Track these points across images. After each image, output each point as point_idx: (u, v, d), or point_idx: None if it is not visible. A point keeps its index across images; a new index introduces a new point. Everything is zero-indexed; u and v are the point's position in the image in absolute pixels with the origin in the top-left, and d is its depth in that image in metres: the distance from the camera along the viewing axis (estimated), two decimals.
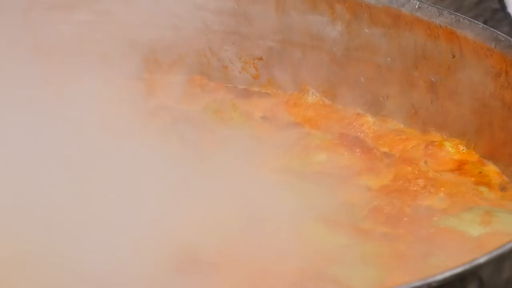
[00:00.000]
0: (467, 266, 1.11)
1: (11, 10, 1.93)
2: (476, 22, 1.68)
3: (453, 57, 1.58)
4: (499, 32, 1.57)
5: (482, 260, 1.12)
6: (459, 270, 1.11)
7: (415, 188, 1.50)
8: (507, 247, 1.16)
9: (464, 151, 1.58)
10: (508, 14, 2.03)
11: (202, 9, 2.17)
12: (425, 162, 1.56)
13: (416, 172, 1.55)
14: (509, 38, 1.54)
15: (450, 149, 1.58)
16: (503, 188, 1.52)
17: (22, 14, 1.91)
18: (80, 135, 1.66)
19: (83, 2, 1.99)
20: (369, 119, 1.66)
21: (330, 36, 1.89)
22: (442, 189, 1.50)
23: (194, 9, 2.15)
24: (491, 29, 1.62)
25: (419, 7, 1.77)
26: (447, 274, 1.10)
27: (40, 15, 1.93)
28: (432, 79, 1.62)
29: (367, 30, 1.81)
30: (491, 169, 1.52)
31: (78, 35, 1.94)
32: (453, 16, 1.69)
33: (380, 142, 1.64)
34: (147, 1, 1.97)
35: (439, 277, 1.09)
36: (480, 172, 1.56)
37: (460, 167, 1.58)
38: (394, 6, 1.79)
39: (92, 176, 1.54)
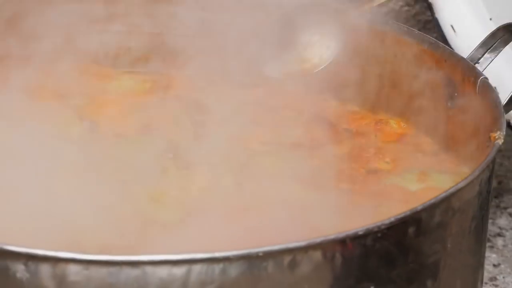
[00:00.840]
0: (408, 213, 1.24)
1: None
2: (413, 29, 1.82)
3: (395, 56, 1.73)
4: (430, 37, 1.73)
5: (419, 208, 1.25)
6: (402, 215, 1.23)
7: (367, 155, 1.61)
8: (437, 198, 1.26)
9: (404, 126, 1.69)
10: (436, 19, 2.12)
11: None
12: (375, 135, 1.68)
13: (369, 143, 1.67)
14: (437, 41, 1.71)
15: (394, 125, 1.69)
16: (434, 154, 1.62)
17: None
18: None
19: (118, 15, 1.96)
20: (333, 103, 1.78)
21: None
22: (388, 155, 1.60)
23: None
24: (424, 34, 1.77)
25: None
26: (393, 219, 1.22)
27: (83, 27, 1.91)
28: (380, 73, 1.77)
29: None
30: (425, 140, 1.64)
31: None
32: (396, 25, 1.84)
33: (341, 120, 1.74)
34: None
35: (387, 221, 1.20)
36: (416, 142, 1.68)
37: (401, 139, 1.68)
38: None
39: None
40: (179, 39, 1.89)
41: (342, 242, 1.19)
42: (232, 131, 1.67)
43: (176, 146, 1.69)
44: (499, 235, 2.46)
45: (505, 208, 2.52)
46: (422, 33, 1.79)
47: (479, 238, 1.48)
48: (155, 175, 1.59)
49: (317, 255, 1.18)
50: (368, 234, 1.20)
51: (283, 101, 1.76)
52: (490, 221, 2.46)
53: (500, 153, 2.61)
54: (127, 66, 1.90)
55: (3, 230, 1.30)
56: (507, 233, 2.43)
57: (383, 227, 1.20)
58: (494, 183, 2.56)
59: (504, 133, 1.43)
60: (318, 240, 1.16)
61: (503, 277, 2.31)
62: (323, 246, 1.16)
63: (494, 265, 2.34)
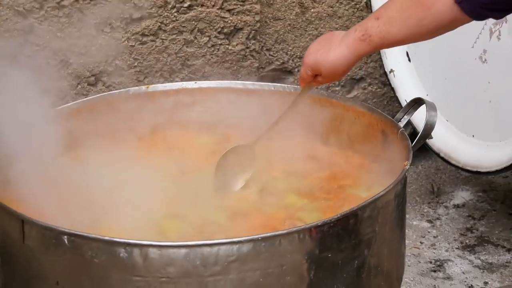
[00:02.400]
0: (348, 211, 1.45)
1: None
2: (365, 103, 2.02)
3: (354, 119, 1.83)
4: (373, 107, 1.85)
5: (355, 208, 1.44)
6: (344, 212, 1.44)
7: (339, 177, 1.76)
8: (367, 201, 1.44)
9: (361, 159, 1.79)
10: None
11: None
12: (344, 165, 1.81)
13: (340, 170, 1.79)
14: (377, 109, 1.79)
15: (355, 158, 1.80)
16: (376, 174, 1.70)
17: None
18: None
19: None
20: (320, 147, 1.86)
21: None
22: (351, 176, 1.74)
23: None
24: (370, 106, 1.97)
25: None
26: (339, 215, 1.43)
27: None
28: (347, 130, 1.82)
29: None
30: (372, 166, 1.73)
31: None
32: (354, 100, 2.04)
33: (324, 156, 1.84)
34: None
35: (336, 216, 1.41)
36: (367, 168, 1.76)
37: (358, 166, 1.80)
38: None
39: None
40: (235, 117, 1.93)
41: (309, 229, 1.41)
42: (260, 165, 1.78)
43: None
44: (438, 218, 2.56)
45: (442, 203, 2.61)
46: (369, 105, 1.94)
47: (399, 224, 1.66)
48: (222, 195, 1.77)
49: (294, 237, 1.39)
50: (324, 224, 1.42)
51: (290, 147, 1.83)
52: (432, 210, 2.58)
53: (440, 170, 2.70)
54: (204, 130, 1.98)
55: (121, 226, 1.58)
56: (443, 217, 2.54)
57: (334, 219, 1.42)
58: (435, 188, 2.68)
59: (411, 161, 1.59)
60: (294, 229, 1.39)
61: (439, 244, 2.43)
62: (298, 232, 1.39)
63: (434, 237, 2.47)
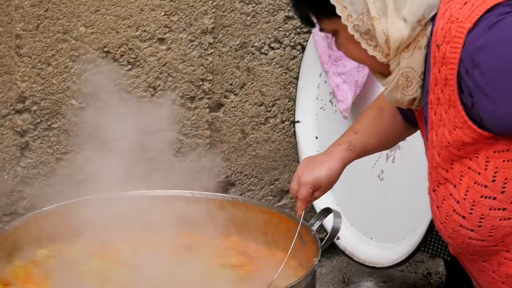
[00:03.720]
0: None
1: None
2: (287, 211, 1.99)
3: (276, 223, 1.77)
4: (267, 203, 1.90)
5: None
6: None
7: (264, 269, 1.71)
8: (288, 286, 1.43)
9: (279, 255, 1.73)
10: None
11: None
12: (257, 259, 1.76)
13: (257, 262, 1.77)
14: (271, 205, 1.97)
15: (276, 254, 1.75)
16: (291, 268, 1.66)
17: None
18: None
19: None
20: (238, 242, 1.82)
21: None
22: (273, 270, 1.64)
23: None
24: (292, 214, 1.90)
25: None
26: None
27: None
28: (271, 231, 1.78)
29: None
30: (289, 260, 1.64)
31: None
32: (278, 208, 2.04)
33: (244, 250, 1.82)
34: None
35: None
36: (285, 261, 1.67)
37: (275, 260, 1.74)
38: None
39: None
40: None
41: None
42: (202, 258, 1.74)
43: None
44: None
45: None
46: (291, 213, 1.93)
47: None
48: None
49: None
50: None
51: (227, 244, 1.82)
52: None
53: (350, 264, 2.60)
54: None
55: None
56: None
57: None
58: (345, 279, 2.64)
59: (320, 258, 1.57)
60: None
61: None
62: None
63: None
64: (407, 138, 2.04)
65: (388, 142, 1.65)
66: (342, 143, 1.60)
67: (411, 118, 1.51)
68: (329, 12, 1.26)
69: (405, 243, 2.09)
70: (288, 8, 2.40)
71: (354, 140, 1.59)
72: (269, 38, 2.43)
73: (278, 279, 1.62)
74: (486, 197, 1.19)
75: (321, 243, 1.65)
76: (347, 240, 2.30)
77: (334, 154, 1.59)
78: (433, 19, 1.24)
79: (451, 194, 1.24)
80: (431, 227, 1.96)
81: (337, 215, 1.72)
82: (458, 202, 1.22)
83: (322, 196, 2.18)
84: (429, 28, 1.24)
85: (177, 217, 1.87)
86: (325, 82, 2.43)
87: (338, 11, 1.24)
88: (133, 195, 1.99)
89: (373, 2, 1.22)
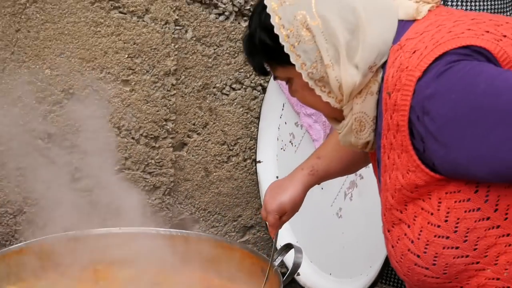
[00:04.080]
0: None
1: None
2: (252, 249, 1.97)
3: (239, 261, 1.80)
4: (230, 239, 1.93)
5: None
6: None
7: None
8: None
9: None
10: None
11: None
12: None
13: None
14: (234, 241, 1.93)
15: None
16: None
17: None
18: None
19: None
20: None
21: None
22: None
23: None
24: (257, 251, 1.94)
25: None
26: None
27: None
28: (239, 268, 1.79)
29: None
30: None
31: None
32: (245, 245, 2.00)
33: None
34: None
35: None
36: None
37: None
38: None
39: None
40: None
41: None
42: None
43: None
44: None
45: None
46: (253, 249, 1.97)
47: None
48: None
49: None
50: None
51: (192, 279, 1.85)
52: None
53: None
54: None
55: None
56: None
57: None
58: None
59: None
60: None
61: None
62: None
63: None
64: (364, 176, 2.07)
65: (349, 167, 1.64)
66: (305, 167, 1.60)
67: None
68: (283, 61, 1.25)
69: (363, 278, 2.09)
70: (242, 54, 2.43)
71: (317, 165, 1.59)
72: (230, 79, 2.44)
73: None
74: (439, 237, 1.19)
75: (283, 278, 1.65)
76: (307, 276, 2.29)
77: (296, 178, 1.59)
78: (383, 65, 1.24)
79: (405, 234, 1.24)
80: (387, 262, 1.95)
81: (298, 251, 1.73)
82: (412, 241, 1.23)
83: (283, 234, 2.29)
84: (380, 75, 1.24)
85: (142, 253, 1.88)
86: (285, 123, 2.44)
87: (292, 60, 1.24)
88: (99, 232, 1.99)
89: (326, 50, 1.22)
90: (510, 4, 2.08)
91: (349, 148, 1.37)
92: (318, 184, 1.64)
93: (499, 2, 2.03)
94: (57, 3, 2.13)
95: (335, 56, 1.22)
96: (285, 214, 1.62)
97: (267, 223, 1.65)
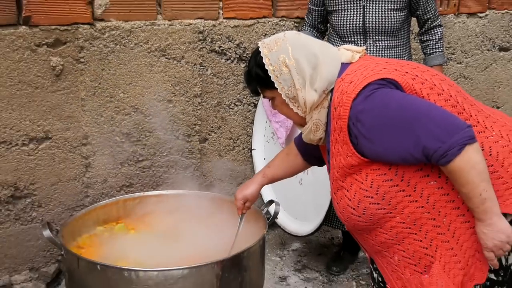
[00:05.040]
0: (242, 250, 1.39)
1: None
2: None
3: None
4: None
5: (244, 248, 1.40)
6: (240, 251, 1.40)
7: None
8: (248, 246, 1.40)
9: None
10: None
11: None
12: None
13: None
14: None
15: None
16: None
17: None
18: None
19: None
20: None
21: None
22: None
23: None
24: None
25: None
26: (238, 251, 1.37)
27: None
28: None
29: None
30: None
31: None
32: None
33: None
34: None
35: (235, 253, 1.38)
36: None
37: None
38: None
39: None
40: None
41: (218, 262, 1.39)
42: None
43: None
44: (283, 256, 2.45)
45: (285, 248, 2.51)
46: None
47: (261, 258, 1.62)
48: None
49: (210, 266, 1.37)
50: (227, 259, 1.41)
51: None
52: (281, 252, 2.45)
53: (286, 233, 2.31)
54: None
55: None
56: (286, 255, 2.43)
57: (232, 255, 1.42)
58: (283, 241, 2.53)
59: (267, 230, 1.57)
60: (209, 261, 1.37)
61: (284, 268, 2.33)
62: (212, 264, 1.37)
63: (281, 265, 2.35)
64: None
65: (289, 173, 1.55)
66: (260, 172, 1.55)
67: (309, 158, 1.47)
68: (270, 86, 1.23)
69: (315, 221, 2.07)
70: (242, 82, 2.34)
71: (267, 171, 1.53)
72: (234, 99, 2.40)
73: (239, 243, 1.56)
74: (367, 197, 1.17)
75: (268, 221, 1.65)
76: (282, 219, 2.25)
77: (255, 180, 1.54)
78: (331, 90, 1.21)
79: (345, 195, 1.22)
80: (329, 212, 1.97)
81: (277, 204, 1.74)
82: (350, 200, 1.21)
83: (268, 193, 2.32)
84: (329, 96, 1.21)
85: (181, 206, 1.83)
86: (269, 126, 2.38)
87: (276, 85, 1.21)
88: (154, 193, 1.94)
89: (297, 79, 1.19)
90: (404, 53, 2.03)
91: (309, 142, 1.31)
92: (269, 184, 1.58)
93: (398, 50, 1.97)
94: (127, 52, 2.08)
95: (302, 84, 1.20)
96: (247, 201, 1.56)
97: (236, 205, 1.57)
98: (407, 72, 1.17)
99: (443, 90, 1.15)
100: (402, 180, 1.13)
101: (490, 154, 1.12)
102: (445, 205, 1.13)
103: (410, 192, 1.14)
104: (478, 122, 1.15)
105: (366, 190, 1.16)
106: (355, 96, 1.14)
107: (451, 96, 1.15)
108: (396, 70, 1.17)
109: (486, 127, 1.15)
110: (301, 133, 1.32)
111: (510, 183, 1.12)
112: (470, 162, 1.05)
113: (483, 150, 1.10)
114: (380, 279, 1.31)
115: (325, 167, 1.37)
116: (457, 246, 1.14)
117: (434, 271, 1.15)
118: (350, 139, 1.16)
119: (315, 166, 1.51)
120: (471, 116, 1.15)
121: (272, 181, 1.56)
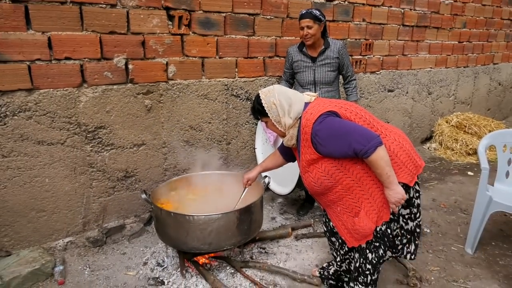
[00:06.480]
0: (251, 203, 1.34)
1: None
2: None
3: None
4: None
5: (253, 202, 1.37)
6: (249, 204, 1.33)
7: None
8: (255, 200, 1.34)
9: None
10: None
11: None
12: None
13: None
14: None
15: None
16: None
17: None
18: None
19: None
20: None
21: None
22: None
23: None
24: None
25: None
26: (238, 208, 1.30)
27: None
28: None
29: None
30: None
31: None
32: None
33: None
34: None
35: (247, 204, 1.31)
36: None
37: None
38: None
39: None
40: None
41: (236, 210, 1.36)
42: None
43: None
44: (274, 202, 2.27)
45: (276, 201, 2.27)
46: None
47: (261, 206, 1.54)
48: None
49: (232, 213, 1.33)
50: (242, 208, 1.36)
51: None
52: (272, 203, 2.22)
53: (274, 195, 2.20)
54: None
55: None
56: (276, 203, 2.23)
57: (246, 206, 1.33)
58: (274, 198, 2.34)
59: (264, 192, 1.50)
60: (231, 210, 1.34)
61: (284, 212, 2.14)
62: (233, 211, 1.33)
63: (273, 211, 2.17)
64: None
65: (276, 166, 1.44)
66: (258, 165, 1.48)
67: (287, 158, 1.41)
68: (265, 115, 1.24)
69: (290, 185, 1.91)
70: (249, 112, 2.15)
71: (263, 164, 1.44)
72: (245, 121, 2.19)
73: (248, 200, 1.50)
74: (322, 176, 1.17)
75: (264, 186, 1.61)
76: (272, 185, 2.05)
77: (255, 168, 1.48)
78: (299, 118, 1.21)
79: (309, 176, 1.20)
80: (299, 181, 1.86)
81: (269, 178, 1.70)
82: (312, 178, 1.20)
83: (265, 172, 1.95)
84: (299, 121, 1.22)
85: (213, 184, 1.74)
86: (264, 135, 2.16)
87: (268, 115, 1.23)
88: (198, 174, 1.83)
89: (281, 112, 1.20)
90: (336, 94, 1.93)
91: (288, 146, 1.28)
92: (264, 172, 1.46)
93: (333, 93, 1.90)
94: (186, 97, 1.93)
95: (283, 114, 1.21)
96: (249, 180, 1.49)
97: (243, 181, 1.49)
98: (342, 107, 1.21)
99: (362, 115, 1.20)
100: (342, 166, 1.16)
101: (390, 150, 1.17)
102: (367, 179, 1.16)
103: (346, 173, 1.16)
104: (382, 132, 1.20)
105: (321, 173, 1.18)
106: (314, 121, 1.17)
107: (366, 118, 1.20)
108: (335, 105, 1.21)
109: (386, 135, 1.20)
110: (282, 142, 1.32)
111: (400, 166, 1.16)
112: (380, 156, 1.10)
113: (388, 149, 1.16)
114: (327, 220, 1.33)
115: (296, 162, 1.38)
116: (373, 201, 1.17)
117: (361, 215, 1.18)
118: (312, 145, 1.18)
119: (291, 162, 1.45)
120: (378, 129, 1.20)
121: (265, 170, 1.48)
